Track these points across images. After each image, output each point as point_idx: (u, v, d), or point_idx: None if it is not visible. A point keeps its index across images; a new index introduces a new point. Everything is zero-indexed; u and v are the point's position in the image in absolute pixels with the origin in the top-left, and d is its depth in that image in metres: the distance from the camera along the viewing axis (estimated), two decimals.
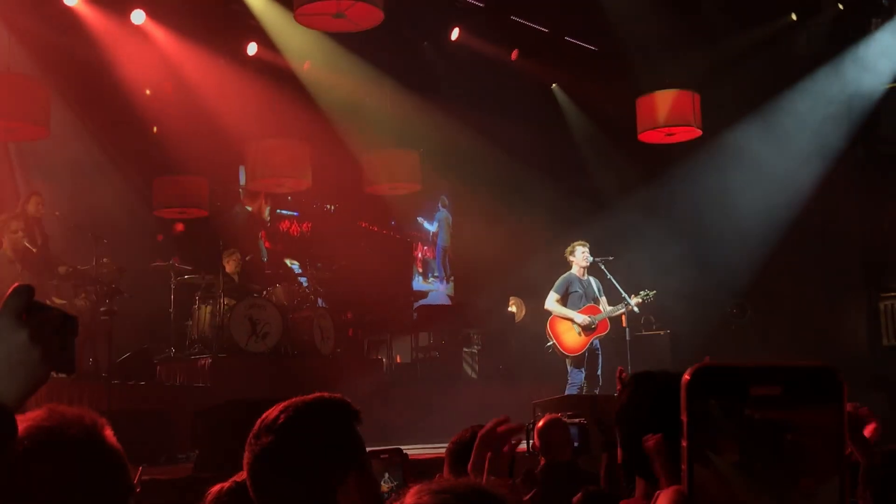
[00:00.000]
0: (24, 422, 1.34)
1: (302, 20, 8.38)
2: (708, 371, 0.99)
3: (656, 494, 1.53)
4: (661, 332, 10.88)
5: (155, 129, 10.67)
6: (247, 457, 1.82)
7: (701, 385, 0.98)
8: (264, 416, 1.84)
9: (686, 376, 0.99)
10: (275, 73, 11.10)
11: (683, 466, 0.98)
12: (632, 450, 2.02)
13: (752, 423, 0.97)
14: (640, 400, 2.05)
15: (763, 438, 0.97)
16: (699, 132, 10.57)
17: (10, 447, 1.15)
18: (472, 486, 1.27)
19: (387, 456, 2.18)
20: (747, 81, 11.57)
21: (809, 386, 0.98)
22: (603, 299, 9.65)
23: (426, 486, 1.26)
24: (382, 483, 2.96)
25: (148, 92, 10.59)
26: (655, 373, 2.13)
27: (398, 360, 11.72)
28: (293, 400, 1.85)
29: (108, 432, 1.59)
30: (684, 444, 0.98)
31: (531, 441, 5.22)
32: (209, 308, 9.76)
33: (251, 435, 1.82)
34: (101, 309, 7.91)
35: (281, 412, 1.82)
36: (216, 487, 2.73)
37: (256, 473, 1.81)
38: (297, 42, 10.85)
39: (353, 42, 10.88)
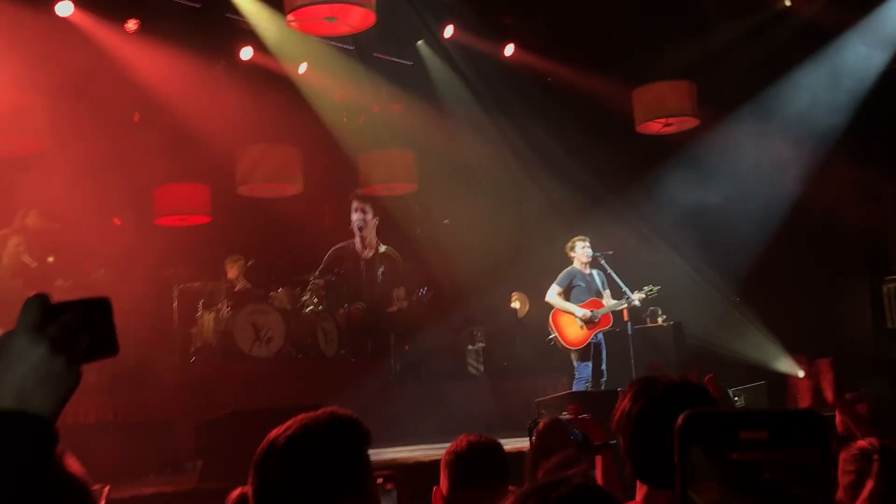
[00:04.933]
0: None
1: (295, 25, 8.37)
2: (699, 417, 1.01)
3: None
4: (665, 325, 10.87)
5: (137, 117, 10.64)
6: (253, 473, 1.79)
7: (693, 430, 1.01)
8: (273, 433, 1.80)
9: (678, 422, 1.01)
10: (269, 76, 11.10)
11: None
12: (636, 457, 2.05)
13: (731, 464, 0.99)
14: (645, 407, 2.06)
15: (743, 478, 0.99)
16: (697, 122, 10.61)
17: (52, 454, 1.20)
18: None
19: (381, 480, 2.14)
20: (743, 70, 11.56)
21: (795, 430, 1.01)
22: (607, 293, 9.65)
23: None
24: None
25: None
26: (658, 378, 2.14)
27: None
28: (303, 418, 1.80)
29: (69, 460, 1.59)
30: (677, 489, 1.00)
31: (532, 440, 5.24)
32: (212, 315, 9.79)
33: (259, 451, 1.79)
34: None
35: (290, 430, 1.77)
36: (237, 491, 2.73)
37: (260, 492, 1.78)
38: (290, 46, 10.86)
39: (346, 43, 10.90)
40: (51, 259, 8.57)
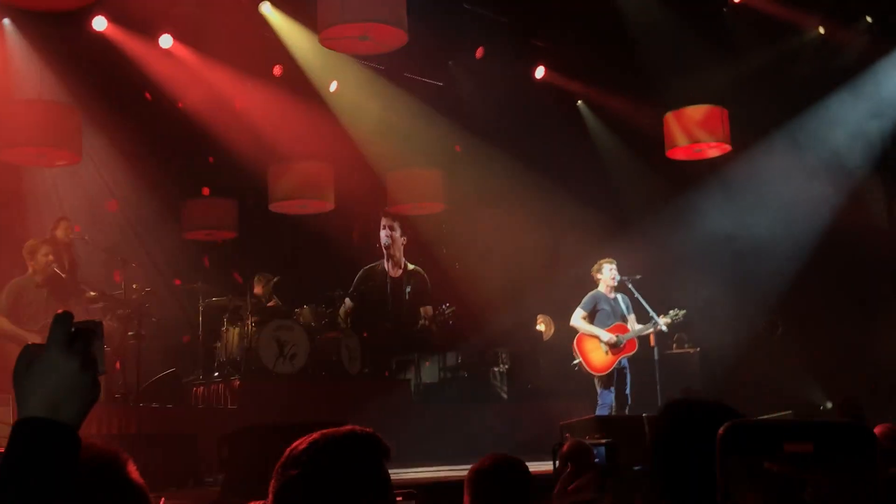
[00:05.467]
0: None
1: (327, 44, 8.39)
2: (741, 428, 0.98)
3: None
4: (691, 351, 10.75)
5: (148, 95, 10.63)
6: (272, 487, 1.79)
7: (734, 441, 0.98)
8: (293, 446, 1.81)
9: (720, 432, 0.99)
10: (300, 94, 11.17)
11: None
12: (668, 480, 2.01)
13: (773, 477, 0.96)
14: (679, 430, 2.02)
15: (784, 492, 0.96)
16: (728, 148, 10.48)
17: (77, 459, 1.31)
18: None
19: (401, 499, 2.11)
20: (776, 97, 11.48)
21: (841, 443, 0.98)
22: (632, 317, 9.55)
23: None
24: None
25: (181, 105, 10.62)
26: (692, 401, 2.09)
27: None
28: (323, 432, 1.81)
29: (131, 467, 1.60)
30: (719, 501, 0.98)
31: (556, 463, 5.18)
32: (237, 330, 9.82)
33: (278, 465, 1.80)
34: (130, 333, 7.98)
35: (309, 444, 1.79)
36: None
37: (280, 499, 1.77)
38: (322, 63, 10.93)
39: (377, 62, 10.96)
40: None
